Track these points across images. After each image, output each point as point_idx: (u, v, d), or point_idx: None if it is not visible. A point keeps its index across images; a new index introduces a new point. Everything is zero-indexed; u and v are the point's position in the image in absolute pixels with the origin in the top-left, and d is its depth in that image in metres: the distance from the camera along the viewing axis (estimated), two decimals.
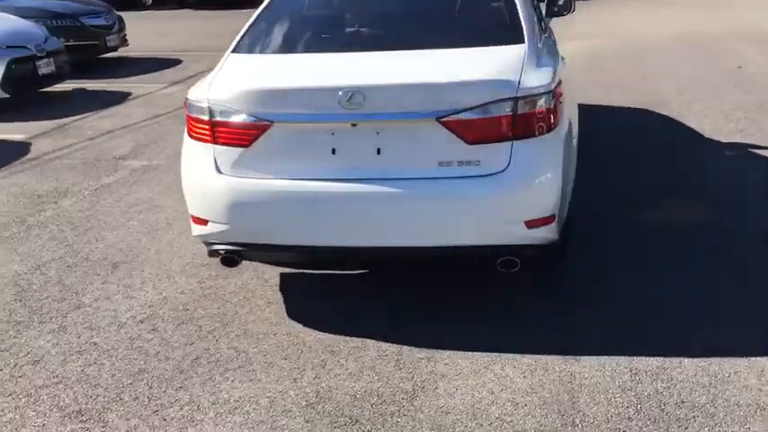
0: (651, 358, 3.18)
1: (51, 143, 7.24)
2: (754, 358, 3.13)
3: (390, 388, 3.08)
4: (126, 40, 12.12)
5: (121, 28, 11.91)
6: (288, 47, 3.83)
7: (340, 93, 3.19)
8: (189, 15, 19.68)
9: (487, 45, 3.60)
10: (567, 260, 3.88)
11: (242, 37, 3.95)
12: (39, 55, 8.90)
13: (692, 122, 6.84)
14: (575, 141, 3.80)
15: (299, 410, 2.96)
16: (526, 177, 3.27)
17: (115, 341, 3.54)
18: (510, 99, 3.21)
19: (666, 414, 2.82)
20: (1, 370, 3.34)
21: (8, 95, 8.59)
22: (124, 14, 12.86)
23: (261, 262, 3.94)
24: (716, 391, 2.93)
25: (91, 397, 3.11)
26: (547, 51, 3.82)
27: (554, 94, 3.33)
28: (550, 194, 3.34)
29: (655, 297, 3.69)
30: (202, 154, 3.46)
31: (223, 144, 3.39)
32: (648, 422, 2.78)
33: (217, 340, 3.51)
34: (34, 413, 3.02)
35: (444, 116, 3.18)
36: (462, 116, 3.19)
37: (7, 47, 8.70)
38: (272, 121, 3.29)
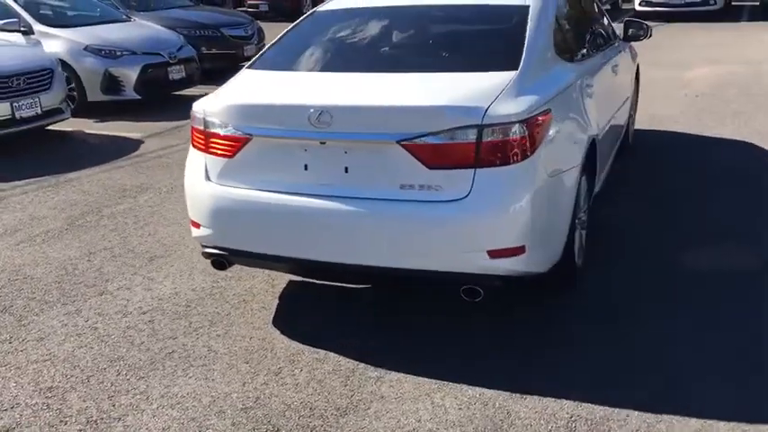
0: (599, 407, 3.00)
1: (159, 142, 7.88)
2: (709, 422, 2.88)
3: (326, 403, 3.13)
4: None
5: (260, 39, 12.64)
6: (294, 65, 3.98)
7: (310, 111, 3.30)
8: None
9: (479, 70, 3.55)
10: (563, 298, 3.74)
11: (262, 53, 4.16)
12: (171, 61, 9.71)
13: None
14: (572, 174, 3.64)
15: (231, 413, 3.09)
16: (487, 206, 3.21)
17: (113, 328, 3.85)
18: (474, 126, 3.16)
19: None
20: (10, 343, 3.75)
21: (140, 97, 9.43)
22: None
23: (247, 266, 4.11)
24: None
25: (66, 376, 3.42)
26: (551, 78, 3.70)
27: (528, 123, 3.23)
28: (516, 225, 3.25)
29: (640, 348, 3.47)
30: (198, 162, 3.69)
31: (212, 154, 3.60)
32: None
33: (197, 338, 3.72)
34: (14, 384, 3.37)
35: (405, 140, 3.20)
36: (424, 140, 3.19)
37: (143, 53, 9.55)
38: (252, 135, 3.46)
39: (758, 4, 19.89)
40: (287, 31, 4.34)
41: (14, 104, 7.44)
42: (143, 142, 7.92)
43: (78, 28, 9.80)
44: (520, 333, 3.63)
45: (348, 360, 3.45)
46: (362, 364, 3.40)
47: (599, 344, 3.48)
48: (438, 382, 3.24)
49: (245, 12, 13.48)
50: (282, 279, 4.28)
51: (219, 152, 3.57)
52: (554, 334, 3.62)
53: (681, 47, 13.29)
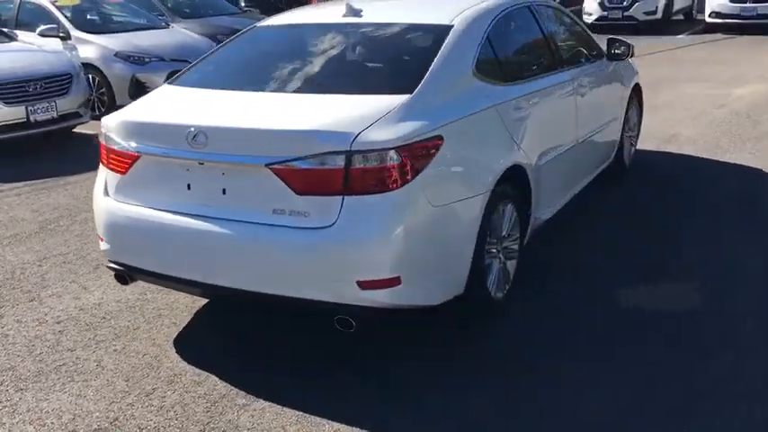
0: None
1: None
2: None
3: (178, 429, 3.08)
4: None
5: None
6: (206, 82, 3.91)
7: (188, 130, 3.26)
8: None
9: (373, 93, 3.42)
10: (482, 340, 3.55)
11: (187, 68, 4.15)
12: None
13: None
14: (474, 202, 3.45)
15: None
16: (355, 235, 3.08)
17: (22, 336, 3.91)
18: (342, 152, 3.05)
19: None
20: None
21: None
22: None
23: (146, 282, 4.04)
24: None
25: None
26: (458, 102, 3.52)
27: (404, 149, 3.09)
28: (387, 255, 3.11)
29: (525, 416, 3.26)
30: (101, 176, 3.72)
31: (111, 169, 3.61)
32: None
33: (94, 351, 3.73)
34: None
35: (274, 163, 3.11)
36: (292, 165, 3.09)
37: (171, 60, 9.77)
38: (141, 152, 3.45)
39: None
40: (220, 46, 4.32)
41: (29, 108, 7.73)
42: None
43: (113, 34, 10.13)
44: (396, 371, 3.44)
45: (225, 385, 3.38)
46: (236, 390, 3.32)
47: (474, 391, 3.28)
48: (300, 414, 3.13)
49: None
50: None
51: (115, 168, 3.58)
52: (428, 377, 3.40)
53: (742, 62, 12.59)
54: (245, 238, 3.22)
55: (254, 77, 3.90)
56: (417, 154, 3.14)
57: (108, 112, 9.50)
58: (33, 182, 6.76)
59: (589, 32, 5.50)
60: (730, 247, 4.72)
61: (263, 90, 3.66)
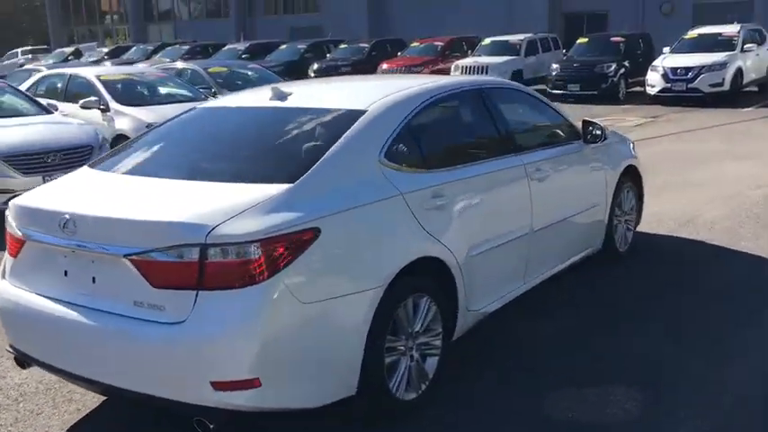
0: None
1: None
2: None
3: None
4: None
5: None
6: (117, 166, 3.85)
7: (61, 217, 3.21)
8: None
9: (255, 181, 3.28)
10: None
11: (111, 151, 4.14)
12: None
13: None
14: (363, 297, 3.23)
15: None
16: (207, 332, 2.91)
17: None
18: (196, 245, 2.91)
19: None
20: None
21: None
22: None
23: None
24: None
25: None
26: (351, 192, 3.33)
27: (266, 243, 2.93)
28: (242, 355, 2.92)
29: None
30: (2, 257, 3.70)
31: (8, 251, 3.59)
32: None
33: None
34: None
35: (132, 255, 3.01)
36: (147, 257, 2.98)
37: None
38: (27, 237, 3.41)
39: None
40: (155, 127, 4.30)
41: (46, 178, 7.97)
42: None
43: (150, 107, 10.47)
44: None
45: None
46: None
47: None
48: None
49: None
50: None
51: (10, 250, 3.56)
52: None
53: None
54: (107, 330, 3.10)
55: (157, 162, 3.84)
56: (281, 248, 2.97)
57: None
58: None
59: (564, 115, 5.21)
60: (684, 351, 4.27)
61: (157, 176, 3.58)
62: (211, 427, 3.00)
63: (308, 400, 3.15)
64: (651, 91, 17.62)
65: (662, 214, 7.25)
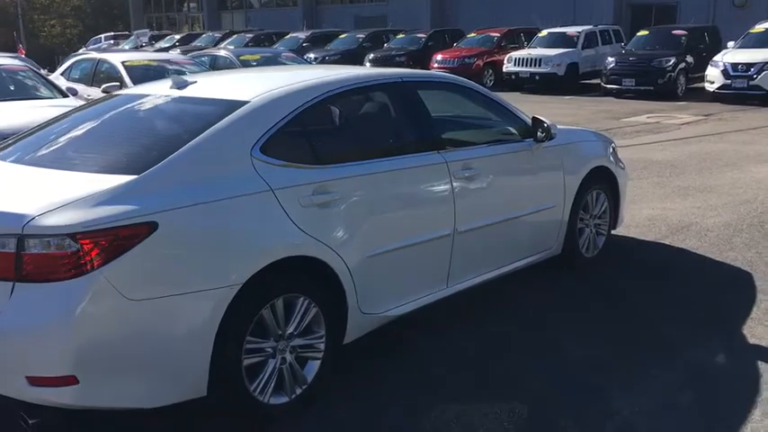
0: None
1: None
2: None
3: None
4: None
5: None
6: (11, 153, 3.79)
7: None
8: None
9: (104, 172, 3.16)
10: None
11: (17, 137, 4.10)
12: None
13: None
14: (207, 297, 3.08)
15: None
16: (20, 325, 2.82)
17: None
18: (13, 235, 2.82)
19: None
20: None
21: None
22: None
23: None
24: None
25: None
26: (203, 187, 3.17)
27: (86, 236, 2.81)
28: (55, 351, 2.82)
29: None
30: None
31: None
32: None
33: None
34: None
35: None
36: None
37: None
38: None
39: None
40: (68, 112, 4.25)
41: None
42: None
43: None
44: None
45: None
46: None
47: None
48: None
49: None
50: None
51: None
52: None
53: None
54: None
55: (35, 148, 3.73)
56: (104, 241, 2.85)
57: None
58: None
59: (515, 112, 4.87)
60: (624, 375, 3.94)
61: (23, 163, 3.50)
62: (30, 422, 2.91)
63: (141, 400, 3.03)
64: (710, 87, 16.74)
65: (658, 219, 6.82)
